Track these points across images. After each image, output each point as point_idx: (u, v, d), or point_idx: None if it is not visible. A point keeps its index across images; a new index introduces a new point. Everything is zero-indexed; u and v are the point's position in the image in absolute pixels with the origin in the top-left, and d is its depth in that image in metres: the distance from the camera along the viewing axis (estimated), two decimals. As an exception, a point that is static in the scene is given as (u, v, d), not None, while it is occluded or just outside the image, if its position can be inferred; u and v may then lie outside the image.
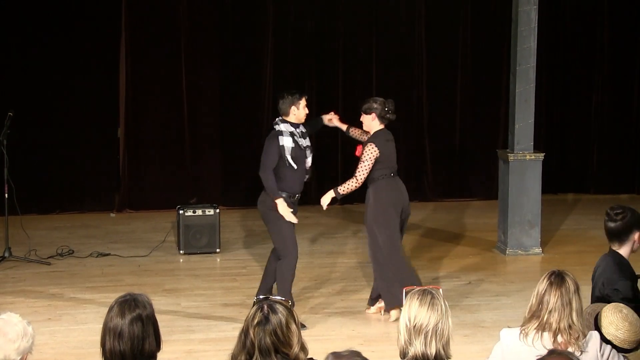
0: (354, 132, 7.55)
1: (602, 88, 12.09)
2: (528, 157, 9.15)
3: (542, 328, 4.04)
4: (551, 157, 10.99)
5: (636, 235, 4.83)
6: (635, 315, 4.30)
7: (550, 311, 4.01)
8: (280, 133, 7.01)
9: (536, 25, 9.00)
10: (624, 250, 4.87)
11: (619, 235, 4.82)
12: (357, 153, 7.18)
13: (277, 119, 7.13)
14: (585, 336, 4.05)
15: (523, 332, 4.11)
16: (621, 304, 4.38)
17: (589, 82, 12.09)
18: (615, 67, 12.06)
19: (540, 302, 4.05)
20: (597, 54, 12.02)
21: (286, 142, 7.00)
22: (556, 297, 4.01)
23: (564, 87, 12.10)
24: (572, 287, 4.04)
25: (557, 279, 4.06)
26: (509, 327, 4.30)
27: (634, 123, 12.22)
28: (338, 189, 7.09)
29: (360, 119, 7.27)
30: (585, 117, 12.15)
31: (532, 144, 9.18)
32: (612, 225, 4.82)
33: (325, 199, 7.12)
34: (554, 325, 4.01)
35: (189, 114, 11.17)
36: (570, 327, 4.01)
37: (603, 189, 12.19)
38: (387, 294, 7.15)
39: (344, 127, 7.57)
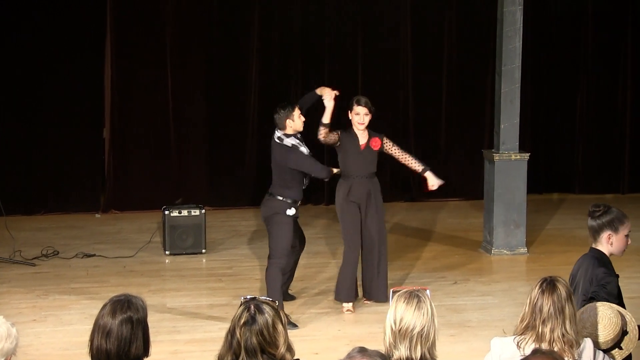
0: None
1: (587, 88, 12.13)
2: (513, 157, 9.16)
3: (539, 339, 3.94)
4: (536, 157, 11.02)
5: (605, 235, 4.79)
6: (611, 315, 4.27)
7: (544, 320, 3.93)
8: (298, 146, 7.26)
9: (521, 26, 9.02)
10: (601, 248, 4.85)
11: (592, 233, 4.84)
12: (375, 146, 7.52)
13: (279, 134, 7.27)
14: (579, 344, 3.96)
15: (520, 344, 3.98)
16: (598, 303, 4.37)
17: (574, 82, 12.12)
18: (600, 67, 12.10)
19: (533, 311, 3.97)
20: (582, 54, 12.06)
21: (304, 151, 7.30)
22: (548, 305, 3.93)
23: (549, 87, 12.13)
24: (564, 294, 3.96)
25: (549, 286, 3.98)
26: (504, 332, 4.18)
27: (618, 123, 12.26)
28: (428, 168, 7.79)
29: (365, 118, 7.43)
30: (571, 117, 12.19)
31: (518, 144, 9.19)
32: (589, 222, 4.85)
33: (436, 180, 7.74)
34: (548, 335, 3.92)
35: (175, 114, 11.14)
36: (563, 335, 3.91)
37: (588, 189, 12.23)
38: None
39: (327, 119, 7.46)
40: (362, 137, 7.51)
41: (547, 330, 3.92)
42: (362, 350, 3.24)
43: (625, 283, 8.20)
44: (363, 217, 7.48)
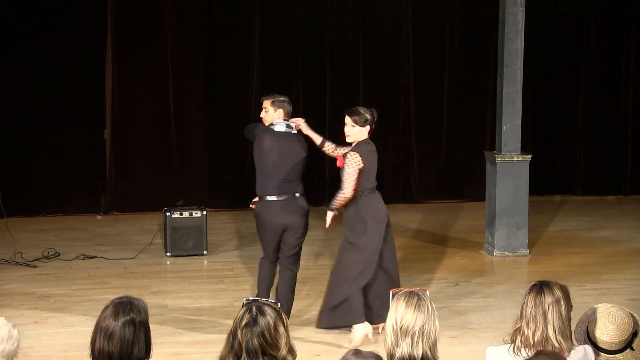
0: (329, 148, 7.01)
1: (588, 89, 12.15)
2: (515, 158, 9.17)
3: (524, 343, 3.93)
4: (538, 159, 11.04)
5: None
6: (622, 316, 4.28)
7: (527, 322, 3.93)
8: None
9: (523, 27, 9.03)
10: None
11: None
12: (339, 164, 6.68)
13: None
14: (567, 352, 3.91)
15: (515, 350, 3.98)
16: (609, 305, 4.37)
17: (576, 83, 12.15)
18: (601, 68, 12.13)
19: (521, 314, 3.97)
20: (583, 55, 12.08)
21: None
22: (530, 307, 3.93)
23: (550, 88, 12.16)
24: (548, 299, 3.93)
25: (535, 288, 3.97)
26: (503, 341, 4.15)
27: (620, 124, 12.28)
28: (330, 205, 6.77)
29: (347, 129, 6.68)
30: (572, 118, 12.21)
31: (520, 145, 9.20)
32: None
33: (328, 219, 6.81)
34: (531, 339, 3.91)
35: (176, 116, 11.16)
36: (547, 340, 3.89)
37: (590, 191, 12.26)
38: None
39: (318, 139, 7.00)
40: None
41: (530, 332, 3.92)
42: (357, 353, 3.27)
43: (627, 285, 8.26)
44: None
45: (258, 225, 6.99)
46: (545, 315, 3.93)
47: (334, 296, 6.86)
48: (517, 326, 4.00)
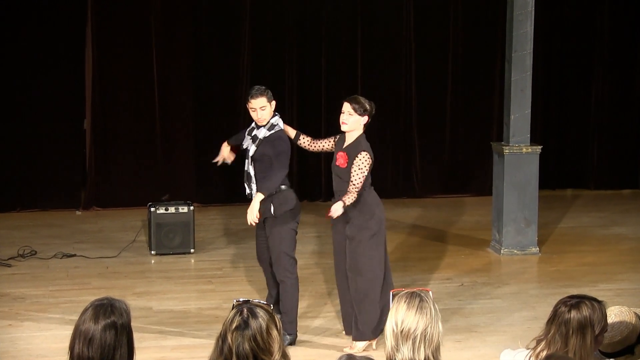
0: (304, 141, 7.01)
1: (602, 77, 12.16)
2: (524, 150, 9.18)
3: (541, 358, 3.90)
4: (549, 151, 11.05)
5: None
6: (623, 317, 4.28)
7: (549, 343, 3.88)
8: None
9: (533, 9, 9.02)
10: None
11: None
12: (342, 163, 6.59)
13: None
14: None
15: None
16: (615, 307, 4.38)
17: (589, 70, 12.15)
18: (616, 55, 12.13)
19: (545, 328, 3.93)
20: (597, 41, 12.08)
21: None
22: (553, 329, 3.87)
23: (562, 75, 12.16)
24: (574, 323, 3.85)
25: (564, 307, 3.89)
26: (527, 348, 4.10)
27: (635, 115, 12.29)
28: (344, 200, 6.40)
29: (345, 117, 6.62)
30: (585, 107, 12.22)
31: (529, 136, 9.21)
32: None
33: (337, 210, 6.43)
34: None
35: (161, 105, 11.14)
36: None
37: (604, 185, 12.28)
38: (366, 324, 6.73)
39: (292, 132, 6.97)
40: (341, 146, 6.72)
41: (549, 353, 3.88)
42: (350, 358, 3.28)
43: (643, 285, 8.25)
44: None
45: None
46: (567, 342, 3.86)
47: (375, 303, 6.70)
48: (541, 337, 3.96)
